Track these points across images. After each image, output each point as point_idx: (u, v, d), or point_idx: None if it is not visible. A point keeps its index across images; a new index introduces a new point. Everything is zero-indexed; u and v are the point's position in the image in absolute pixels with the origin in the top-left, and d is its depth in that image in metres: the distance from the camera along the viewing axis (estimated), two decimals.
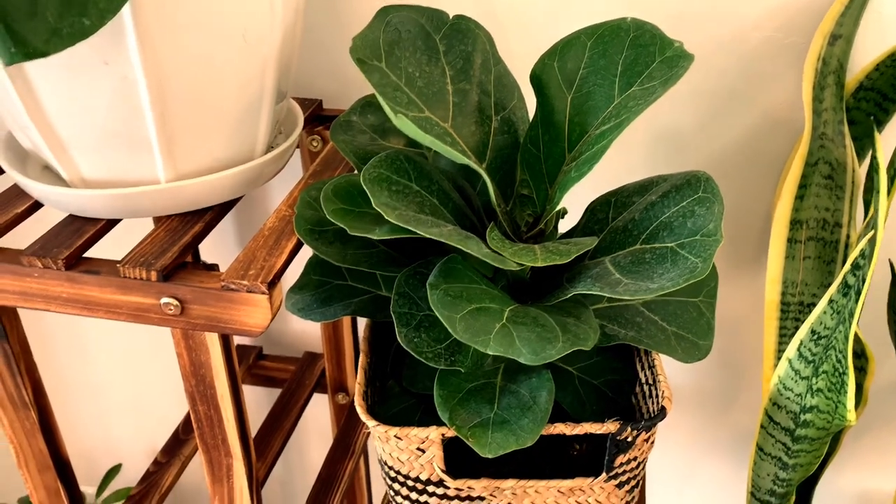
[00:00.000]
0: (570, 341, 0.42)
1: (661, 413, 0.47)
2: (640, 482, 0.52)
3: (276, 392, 0.87)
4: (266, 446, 0.73)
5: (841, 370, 0.44)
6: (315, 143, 0.67)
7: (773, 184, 0.67)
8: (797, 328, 0.59)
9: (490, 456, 0.45)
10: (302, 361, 0.86)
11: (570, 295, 0.45)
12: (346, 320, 0.78)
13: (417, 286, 0.49)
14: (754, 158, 0.67)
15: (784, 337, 0.59)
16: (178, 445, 0.74)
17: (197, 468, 1.00)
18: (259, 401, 0.91)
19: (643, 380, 0.54)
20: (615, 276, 0.44)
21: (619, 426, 0.46)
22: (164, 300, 0.46)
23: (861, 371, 0.59)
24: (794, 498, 0.57)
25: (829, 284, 0.56)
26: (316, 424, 0.95)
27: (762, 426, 0.53)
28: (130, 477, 1.00)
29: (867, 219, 0.50)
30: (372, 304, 0.56)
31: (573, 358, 0.55)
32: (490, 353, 0.41)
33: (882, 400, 0.77)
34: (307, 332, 0.90)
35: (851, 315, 0.42)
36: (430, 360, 0.47)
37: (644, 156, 0.69)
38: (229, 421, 0.53)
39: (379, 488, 0.88)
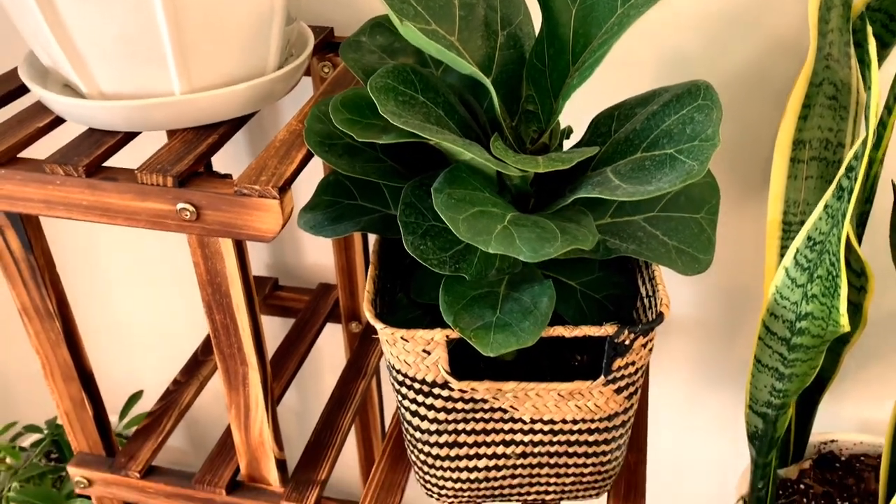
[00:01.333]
0: (569, 241, 0.43)
1: (659, 318, 0.49)
2: (639, 389, 0.54)
3: (292, 322, 0.89)
4: (281, 368, 0.75)
5: (834, 273, 0.45)
6: (326, 70, 0.68)
7: (780, 110, 0.68)
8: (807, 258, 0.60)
9: (492, 354, 0.47)
10: (316, 292, 0.88)
11: (570, 201, 0.46)
12: (359, 252, 0.80)
13: (423, 197, 0.50)
14: (761, 84, 0.67)
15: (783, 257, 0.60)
16: (196, 366, 0.77)
17: (212, 396, 1.04)
18: (275, 330, 0.94)
19: (644, 293, 0.55)
20: (615, 183, 0.46)
21: (616, 329, 0.48)
22: (181, 206, 0.48)
23: (861, 290, 0.60)
24: (791, 412, 0.59)
25: None
26: (330, 355, 0.98)
27: (759, 338, 0.55)
28: (152, 404, 1.04)
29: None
30: (381, 223, 0.57)
31: (576, 272, 0.57)
32: (491, 251, 0.43)
33: (886, 329, 0.78)
34: (321, 264, 0.92)
35: (844, 216, 0.43)
36: (434, 266, 0.49)
37: (650, 81, 0.69)
38: (244, 330, 0.55)
39: (390, 406, 0.91)
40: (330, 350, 0.97)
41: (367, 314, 0.50)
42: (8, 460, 0.86)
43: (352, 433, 0.94)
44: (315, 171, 0.78)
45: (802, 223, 0.59)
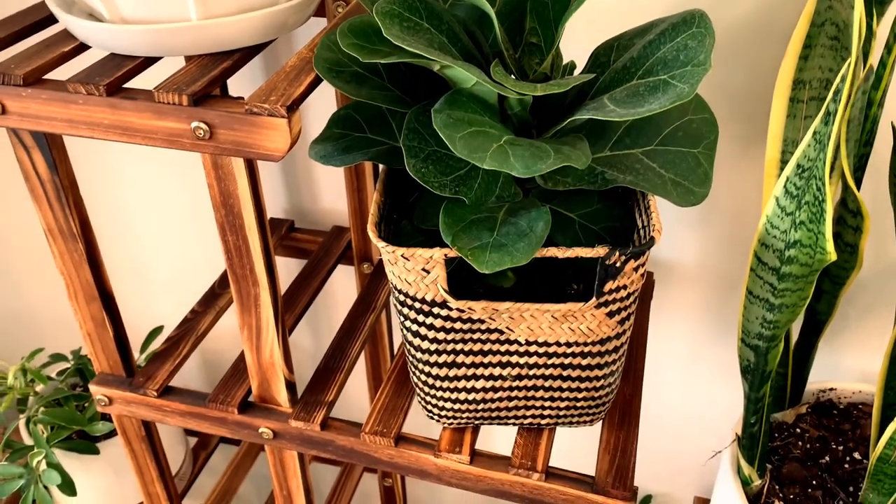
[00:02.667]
0: (561, 159, 0.45)
1: (650, 241, 0.51)
2: (631, 315, 0.56)
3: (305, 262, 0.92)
4: (294, 303, 0.78)
5: (820, 198, 0.47)
6: (340, 9, 0.70)
7: None
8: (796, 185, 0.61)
9: (486, 272, 0.49)
10: (330, 234, 0.91)
11: (565, 123, 0.48)
12: (371, 195, 0.82)
13: (426, 123, 0.52)
14: (766, 32, 0.68)
15: None
16: (213, 298, 0.80)
17: (225, 331, 1.07)
18: (290, 271, 0.97)
19: (640, 225, 0.57)
20: (609, 108, 0.47)
21: (608, 250, 0.50)
22: (195, 124, 0.50)
23: (857, 230, 0.61)
24: (781, 347, 0.61)
25: None
26: (342, 295, 1.01)
27: (751, 269, 0.56)
28: None
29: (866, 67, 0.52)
30: (388, 154, 0.59)
31: (575, 204, 0.59)
32: (486, 167, 0.45)
33: (887, 280, 0.79)
34: (336, 208, 0.94)
35: (829, 138, 0.44)
36: (435, 188, 0.51)
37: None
38: (256, 250, 0.58)
39: (399, 340, 0.93)
40: (343, 290, 1.00)
41: (371, 234, 0.53)
42: (38, 388, 0.90)
43: (363, 366, 0.97)
44: (325, 111, 0.80)
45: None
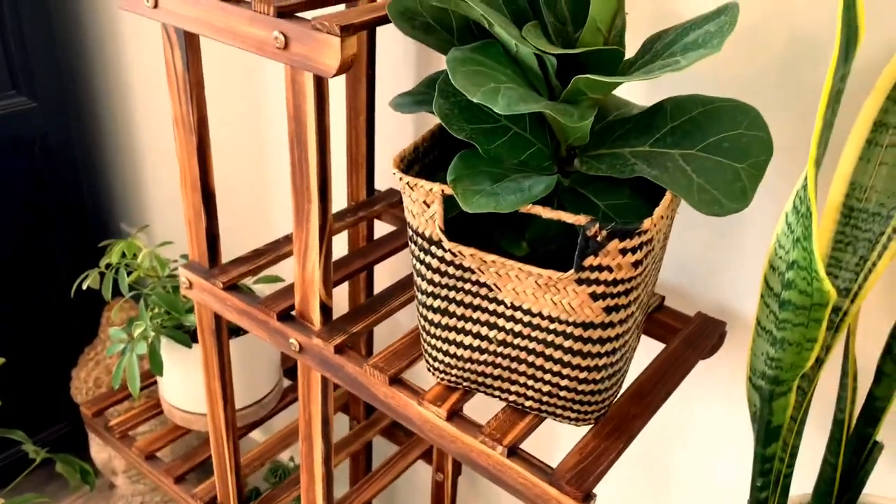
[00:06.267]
0: (548, 107, 0.47)
1: (637, 226, 0.50)
2: (624, 310, 0.54)
3: None
4: (373, 252, 0.84)
5: (810, 209, 0.43)
6: None
7: None
8: (856, 237, 0.56)
9: (469, 210, 0.51)
10: None
11: (572, 82, 0.49)
12: None
13: None
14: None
15: (840, 244, 0.57)
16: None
17: None
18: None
19: None
20: (621, 78, 0.48)
21: (589, 220, 0.50)
22: (275, 33, 0.58)
23: None
24: (792, 399, 0.55)
25: None
26: None
27: (761, 296, 0.52)
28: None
29: None
30: None
31: (604, 193, 0.59)
32: (476, 100, 0.48)
33: None
34: None
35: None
36: (453, 129, 0.55)
37: None
38: (313, 166, 0.65)
39: None
40: None
41: (393, 163, 0.57)
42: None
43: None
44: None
45: (866, 211, 0.55)
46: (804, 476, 0.72)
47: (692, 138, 0.56)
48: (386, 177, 1.02)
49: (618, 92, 0.66)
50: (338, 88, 0.97)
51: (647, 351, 0.73)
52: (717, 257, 0.78)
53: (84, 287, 1.00)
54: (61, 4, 1.37)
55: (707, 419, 0.86)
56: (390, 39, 0.94)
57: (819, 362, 0.57)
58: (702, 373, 0.81)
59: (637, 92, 0.71)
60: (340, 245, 0.95)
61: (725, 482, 0.87)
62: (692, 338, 0.72)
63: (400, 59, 0.96)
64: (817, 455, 0.69)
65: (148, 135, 1.41)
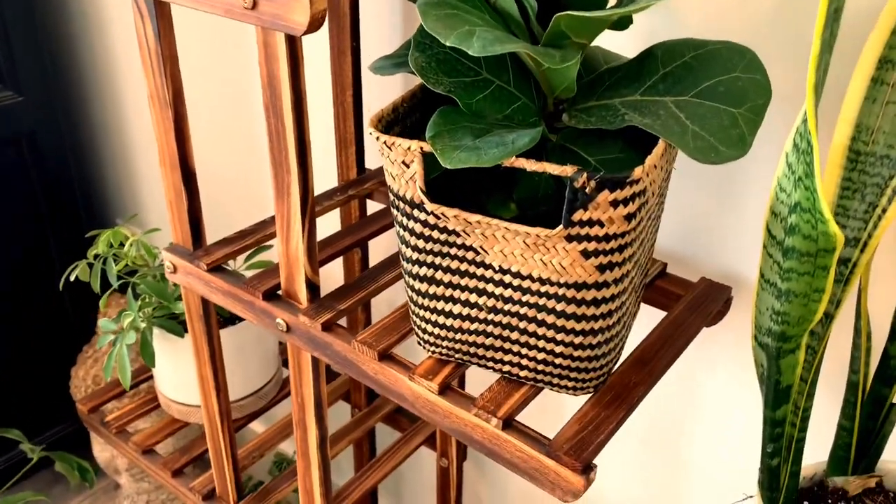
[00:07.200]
0: (528, 48, 0.44)
1: (627, 175, 0.47)
2: (618, 269, 0.51)
3: None
4: (361, 230, 0.81)
5: (811, 144, 0.40)
6: None
7: None
8: (864, 182, 0.53)
9: (449, 166, 0.48)
10: None
11: (554, 23, 0.46)
12: None
13: None
14: None
15: (846, 191, 0.53)
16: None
17: None
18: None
19: None
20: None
21: (576, 170, 0.47)
22: None
23: None
24: (801, 356, 0.52)
25: None
26: None
27: (763, 246, 0.49)
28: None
29: None
30: None
31: (594, 148, 0.56)
32: (449, 44, 0.45)
33: None
34: None
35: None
36: (430, 82, 0.52)
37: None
38: (290, 136, 0.62)
39: None
40: None
41: (368, 122, 0.54)
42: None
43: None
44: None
45: (873, 154, 0.52)
46: (818, 444, 0.69)
47: (685, 84, 0.53)
48: (376, 155, 0.99)
49: (609, 48, 0.63)
50: (323, 64, 0.94)
51: (650, 319, 0.70)
52: (720, 221, 0.74)
53: (72, 279, 0.97)
54: None
55: (714, 389, 0.82)
56: (374, 13, 0.91)
57: (829, 318, 0.54)
58: (708, 340, 0.78)
59: (628, 46, 0.68)
60: (333, 225, 0.92)
61: (735, 454, 0.84)
62: (696, 303, 0.69)
63: (385, 33, 0.93)
64: (832, 421, 0.65)
65: (138, 126, 1.39)
